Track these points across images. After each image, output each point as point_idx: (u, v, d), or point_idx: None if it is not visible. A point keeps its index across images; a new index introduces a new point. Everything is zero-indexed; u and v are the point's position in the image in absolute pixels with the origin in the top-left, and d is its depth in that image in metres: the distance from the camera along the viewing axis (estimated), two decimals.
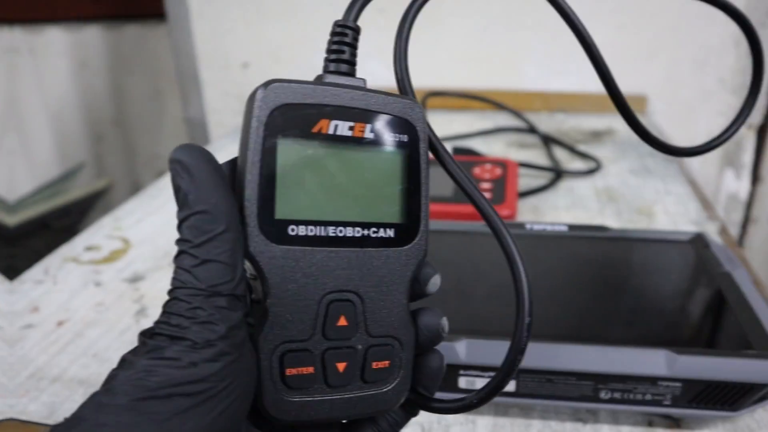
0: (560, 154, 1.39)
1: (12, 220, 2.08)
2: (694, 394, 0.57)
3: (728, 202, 1.80)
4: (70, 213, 2.29)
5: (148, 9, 2.32)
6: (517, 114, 1.59)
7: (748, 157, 1.74)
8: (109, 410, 0.28)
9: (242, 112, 0.35)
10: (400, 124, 0.38)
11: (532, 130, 1.50)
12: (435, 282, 0.40)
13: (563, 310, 0.66)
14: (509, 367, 0.38)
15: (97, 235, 1.03)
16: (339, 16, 0.40)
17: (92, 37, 2.32)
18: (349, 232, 0.37)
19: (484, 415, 0.63)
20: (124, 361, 0.31)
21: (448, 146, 1.24)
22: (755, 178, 1.77)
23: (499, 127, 1.53)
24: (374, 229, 0.38)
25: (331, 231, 0.36)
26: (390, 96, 0.38)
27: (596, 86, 0.47)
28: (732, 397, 0.57)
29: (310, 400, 0.36)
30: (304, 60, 1.63)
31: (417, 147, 0.39)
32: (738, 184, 1.77)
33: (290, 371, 0.35)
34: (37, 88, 2.21)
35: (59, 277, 0.90)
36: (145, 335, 0.32)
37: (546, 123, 1.60)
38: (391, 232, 0.38)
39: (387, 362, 0.38)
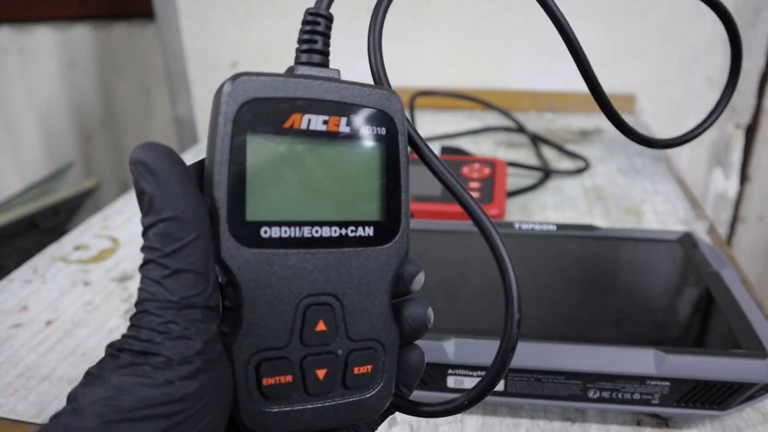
0: (549, 153, 1.39)
1: (0, 219, 2.07)
2: (683, 393, 0.58)
3: (717, 201, 1.80)
4: (59, 212, 2.28)
5: (136, 8, 2.31)
6: (505, 113, 1.59)
7: (736, 156, 1.74)
8: None
9: None
10: (378, 117, 0.36)
11: (520, 129, 1.50)
12: (419, 280, 0.38)
13: (552, 310, 0.66)
14: (500, 366, 0.37)
15: (86, 234, 1.03)
16: None
17: (81, 36, 2.31)
18: (326, 232, 0.35)
19: (472, 415, 0.63)
20: (90, 376, 0.29)
21: (437, 145, 1.24)
22: (743, 177, 1.78)
23: (487, 127, 1.54)
24: (352, 228, 0.36)
25: (306, 232, 0.34)
26: (366, 87, 0.36)
27: (585, 86, 0.47)
28: (720, 396, 0.57)
29: (290, 410, 0.34)
30: (293, 59, 1.61)
31: (396, 140, 0.37)
32: (726, 184, 1.78)
33: (267, 381, 0.33)
34: (25, 88, 2.20)
35: (48, 276, 0.89)
36: (113, 348, 0.30)
37: (534, 122, 1.60)
38: (370, 231, 0.36)
39: (369, 366, 0.36)
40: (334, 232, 0.35)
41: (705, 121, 0.53)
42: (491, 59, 1.74)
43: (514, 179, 1.22)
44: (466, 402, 0.37)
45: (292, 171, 0.34)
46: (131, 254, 0.95)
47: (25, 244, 2.09)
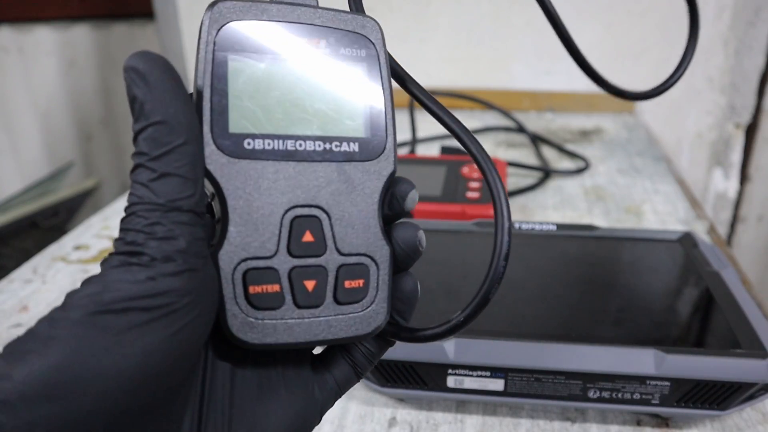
0: (549, 153, 1.40)
1: (0, 219, 2.07)
2: (683, 393, 0.58)
3: (717, 201, 1.80)
4: (59, 212, 2.28)
5: (136, 8, 2.31)
6: (505, 113, 1.59)
7: (736, 156, 1.74)
8: (62, 324, 0.28)
9: None
10: (357, 39, 0.37)
11: (520, 129, 1.50)
12: (413, 197, 0.39)
13: (552, 310, 0.66)
14: (494, 275, 0.37)
15: (86, 234, 1.03)
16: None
17: (81, 36, 2.31)
18: (310, 146, 0.36)
19: (472, 414, 0.64)
20: (83, 283, 0.30)
21: (437, 145, 1.24)
22: (743, 177, 1.78)
23: (487, 127, 1.54)
24: (336, 143, 0.36)
25: (290, 144, 0.35)
26: (344, 13, 0.38)
27: (585, 86, 0.47)
28: (720, 396, 0.57)
29: (280, 323, 0.35)
30: None
31: (375, 61, 0.38)
32: (726, 183, 1.78)
33: (254, 289, 0.34)
34: (25, 88, 2.20)
35: (48, 276, 0.89)
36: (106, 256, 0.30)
37: (534, 122, 1.60)
38: (355, 146, 0.37)
39: (361, 281, 0.37)
40: (318, 146, 0.36)
41: (676, 71, 0.54)
42: (491, 59, 1.74)
43: (514, 179, 1.22)
44: (463, 319, 0.37)
45: (274, 87, 0.35)
46: None
47: (25, 244, 2.09)
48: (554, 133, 1.52)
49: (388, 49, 0.39)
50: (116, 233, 1.01)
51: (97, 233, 1.03)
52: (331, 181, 0.36)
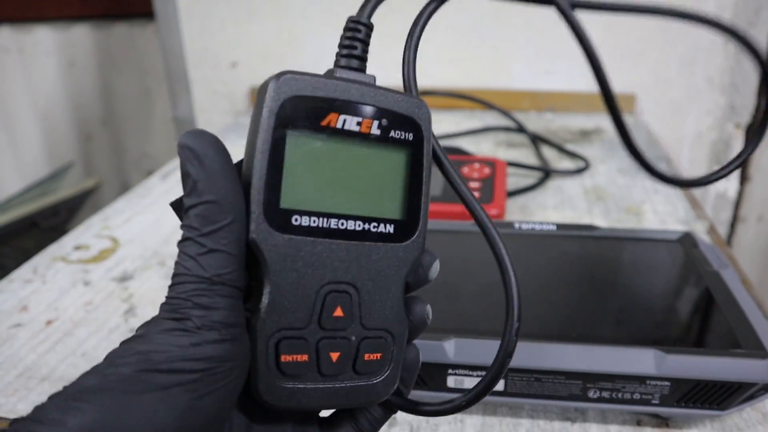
0: (549, 153, 1.39)
1: (0, 219, 2.07)
2: (683, 393, 0.58)
3: (717, 201, 1.80)
4: (59, 212, 2.28)
5: (136, 8, 2.31)
6: (505, 113, 1.59)
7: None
8: (113, 379, 0.30)
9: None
10: (407, 123, 0.38)
11: (520, 129, 1.50)
12: (436, 267, 0.41)
13: (552, 310, 0.66)
14: (497, 370, 0.39)
15: (86, 234, 1.03)
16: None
17: (81, 36, 2.31)
18: (351, 225, 0.37)
19: (472, 414, 0.63)
20: (125, 342, 0.32)
21: None
22: (743, 177, 1.77)
23: (487, 127, 1.54)
24: (375, 224, 0.38)
25: (333, 223, 0.37)
26: (398, 94, 0.39)
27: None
28: (720, 396, 0.57)
29: (303, 388, 0.37)
30: (293, 59, 1.62)
31: (421, 146, 0.39)
32: (726, 183, 1.78)
33: (285, 358, 0.36)
34: (25, 88, 2.20)
35: (48, 276, 0.89)
36: (151, 318, 0.33)
37: (535, 122, 1.60)
38: (390, 228, 0.39)
39: (379, 354, 0.39)
40: (358, 226, 0.38)
41: (731, 163, 0.54)
42: (491, 59, 1.74)
43: (514, 179, 1.22)
44: (464, 402, 0.40)
45: (325, 166, 0.37)
46: (131, 254, 0.95)
47: (25, 244, 2.09)
48: (554, 133, 1.52)
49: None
50: (116, 233, 1.01)
51: (97, 233, 1.03)
52: (364, 261, 0.38)
